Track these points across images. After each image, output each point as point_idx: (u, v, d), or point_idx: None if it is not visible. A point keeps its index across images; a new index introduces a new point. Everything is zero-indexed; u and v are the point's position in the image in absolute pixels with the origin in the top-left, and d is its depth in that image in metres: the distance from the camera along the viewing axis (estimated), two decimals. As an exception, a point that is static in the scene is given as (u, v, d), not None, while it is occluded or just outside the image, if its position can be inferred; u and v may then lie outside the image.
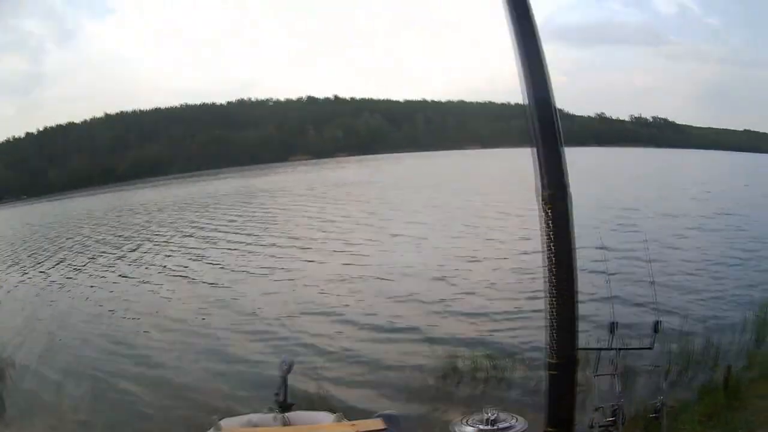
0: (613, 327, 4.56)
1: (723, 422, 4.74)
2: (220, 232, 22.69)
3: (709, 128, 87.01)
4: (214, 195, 41.82)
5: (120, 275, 16.28)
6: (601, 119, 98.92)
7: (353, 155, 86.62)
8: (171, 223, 28.06)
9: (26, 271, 18.31)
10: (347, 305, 11.26)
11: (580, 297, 8.19)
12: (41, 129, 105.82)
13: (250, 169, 75.77)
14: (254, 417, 3.86)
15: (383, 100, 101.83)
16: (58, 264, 19.01)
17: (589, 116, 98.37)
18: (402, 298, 11.49)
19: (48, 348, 10.00)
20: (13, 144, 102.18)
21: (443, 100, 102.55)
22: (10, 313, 12.97)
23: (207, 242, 20.76)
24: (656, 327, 4.51)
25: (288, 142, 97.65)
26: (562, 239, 1.84)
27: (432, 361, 7.88)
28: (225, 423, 3.65)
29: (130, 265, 17.75)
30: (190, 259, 17.91)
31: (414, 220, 21.37)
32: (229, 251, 18.52)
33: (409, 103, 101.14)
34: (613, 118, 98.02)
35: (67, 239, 25.68)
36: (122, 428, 6.78)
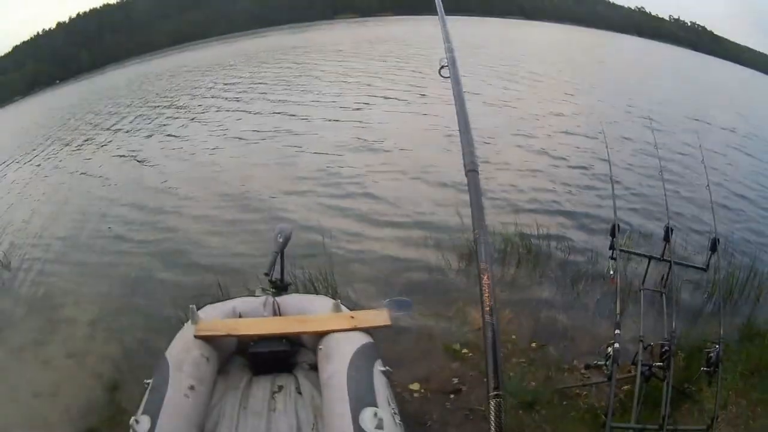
0: (668, 233, 3.99)
1: (765, 383, 3.98)
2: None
3: (746, 47, 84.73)
4: (245, 54, 40.63)
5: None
6: (642, 13, 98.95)
7: (400, 15, 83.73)
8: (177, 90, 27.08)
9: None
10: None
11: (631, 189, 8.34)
12: (73, 16, 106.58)
13: (292, 27, 75.10)
14: (240, 303, 3.33)
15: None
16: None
17: (629, 8, 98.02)
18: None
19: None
20: (43, 36, 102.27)
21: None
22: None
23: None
24: (714, 245, 3.86)
25: (335, 1, 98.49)
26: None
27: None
28: (204, 313, 3.16)
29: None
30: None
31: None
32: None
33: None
34: (653, 14, 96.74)
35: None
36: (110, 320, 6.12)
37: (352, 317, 2.97)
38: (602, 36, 67.87)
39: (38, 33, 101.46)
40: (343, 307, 3.07)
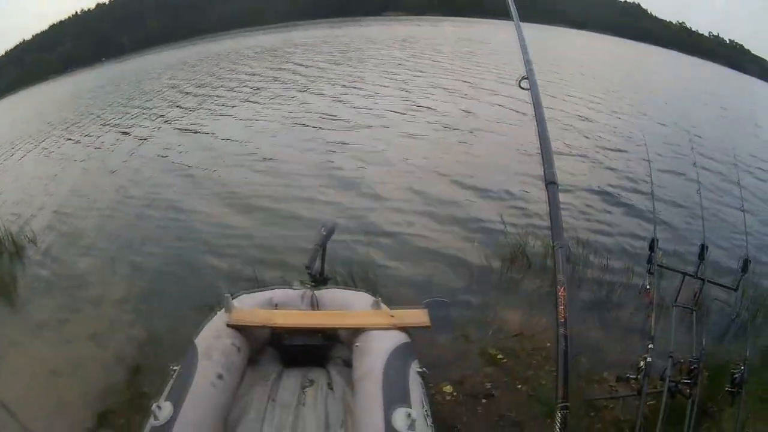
0: (702, 251, 3.88)
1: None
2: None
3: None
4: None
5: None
6: (682, 28, 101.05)
7: (447, 16, 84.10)
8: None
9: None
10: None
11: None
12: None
13: (337, 22, 73.85)
14: (277, 294, 3.20)
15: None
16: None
17: (670, 21, 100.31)
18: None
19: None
20: (82, 16, 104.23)
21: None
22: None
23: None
24: (745, 266, 3.74)
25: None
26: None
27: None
28: (239, 301, 3.05)
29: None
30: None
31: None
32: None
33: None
34: (693, 29, 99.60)
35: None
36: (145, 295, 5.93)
37: (392, 315, 2.88)
38: (648, 50, 65.80)
39: (76, 13, 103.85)
40: (382, 305, 2.97)
